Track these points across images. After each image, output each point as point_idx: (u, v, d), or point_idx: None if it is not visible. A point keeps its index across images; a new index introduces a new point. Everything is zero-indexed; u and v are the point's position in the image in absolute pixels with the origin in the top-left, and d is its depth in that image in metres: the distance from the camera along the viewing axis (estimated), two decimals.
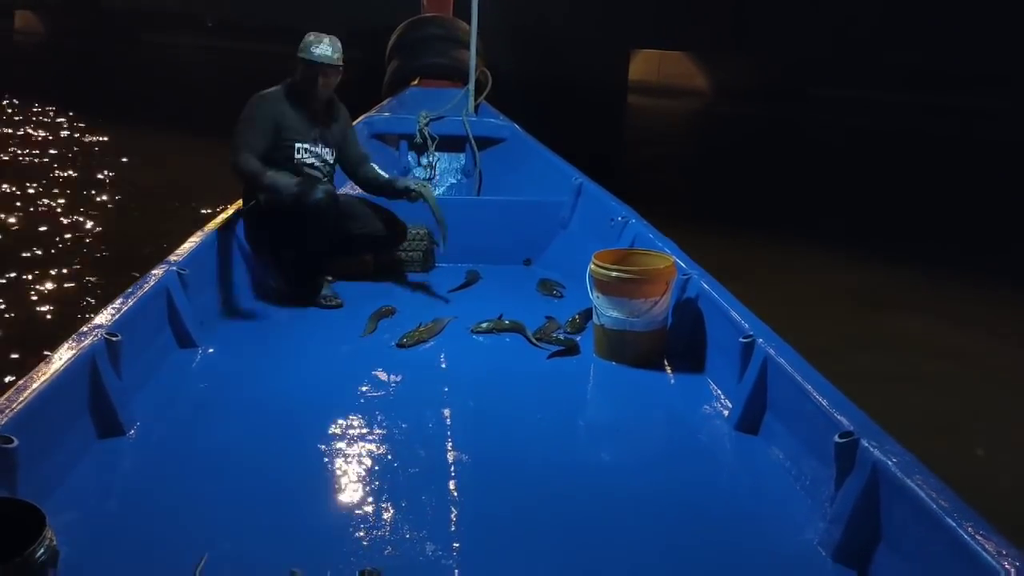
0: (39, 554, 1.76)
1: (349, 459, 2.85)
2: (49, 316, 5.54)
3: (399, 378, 3.52)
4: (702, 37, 19.16)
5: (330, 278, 4.34)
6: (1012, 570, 1.85)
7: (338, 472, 2.78)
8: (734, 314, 3.37)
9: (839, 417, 2.55)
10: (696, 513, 2.67)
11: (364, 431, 3.03)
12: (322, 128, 4.34)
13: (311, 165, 4.29)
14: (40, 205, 8.54)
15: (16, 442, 2.23)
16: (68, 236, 7.42)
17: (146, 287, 3.35)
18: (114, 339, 2.89)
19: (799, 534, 2.52)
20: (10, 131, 12.98)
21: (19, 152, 11.36)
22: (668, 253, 3.90)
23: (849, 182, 10.92)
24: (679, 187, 10.75)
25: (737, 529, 2.58)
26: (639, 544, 2.50)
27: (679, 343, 3.70)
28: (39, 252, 6.89)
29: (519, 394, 3.43)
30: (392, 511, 2.56)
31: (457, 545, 2.41)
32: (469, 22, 6.06)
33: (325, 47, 4.22)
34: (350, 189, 4.73)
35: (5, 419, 2.29)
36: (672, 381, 3.58)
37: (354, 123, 5.52)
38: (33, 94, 16.13)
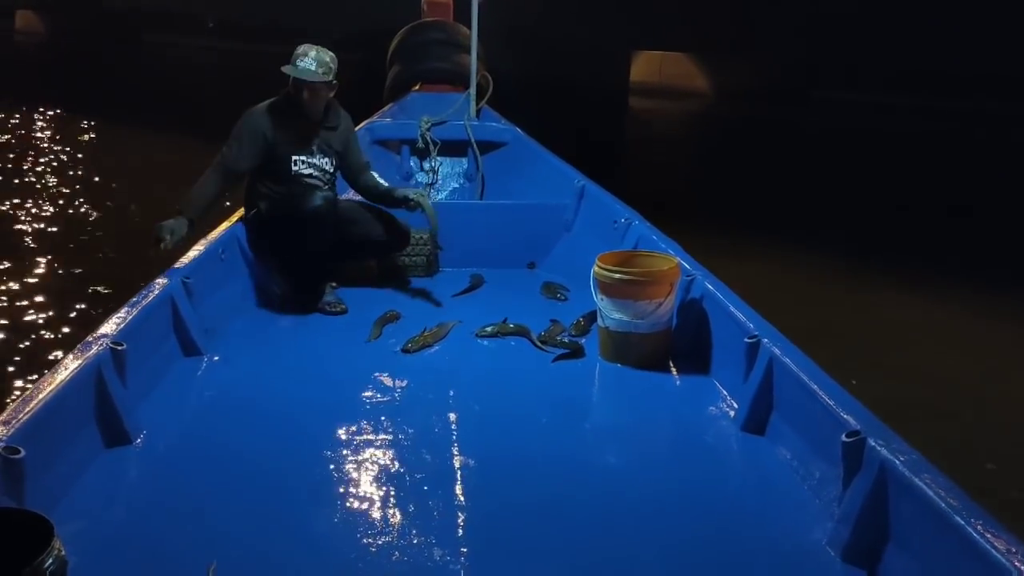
0: (48, 564, 1.76)
1: (355, 465, 2.85)
2: (53, 325, 5.54)
3: (404, 383, 3.52)
4: (703, 38, 19.14)
5: (334, 284, 4.34)
6: (1023, 568, 1.84)
7: (345, 478, 2.78)
8: (739, 315, 3.37)
9: (846, 416, 2.55)
10: (704, 514, 2.66)
11: (370, 436, 3.04)
12: (320, 138, 4.33)
13: (309, 175, 4.28)
14: (41, 210, 8.54)
15: (23, 453, 2.24)
16: (70, 241, 7.42)
17: (151, 296, 3.36)
18: (119, 348, 2.89)
19: (807, 534, 2.51)
20: (10, 132, 13.01)
21: (19, 154, 11.38)
22: (672, 254, 3.90)
23: (850, 184, 10.89)
24: (681, 189, 10.73)
25: (745, 530, 2.58)
26: (647, 546, 2.50)
27: (684, 344, 3.70)
28: (41, 259, 6.89)
29: (524, 397, 3.43)
30: (399, 516, 2.56)
31: (465, 550, 2.41)
32: (469, 26, 6.06)
33: (308, 62, 4.15)
34: (353, 195, 4.74)
35: (12, 430, 2.29)
36: (677, 382, 3.58)
37: (358, 127, 5.55)
38: (34, 94, 16.18)
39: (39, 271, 6.61)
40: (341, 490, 2.71)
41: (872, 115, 16.34)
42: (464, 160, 6.03)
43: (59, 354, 4.29)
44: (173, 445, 2.95)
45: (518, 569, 2.38)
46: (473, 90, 6.01)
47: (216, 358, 3.60)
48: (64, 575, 1.82)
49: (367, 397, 3.38)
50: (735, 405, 3.25)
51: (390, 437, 3.04)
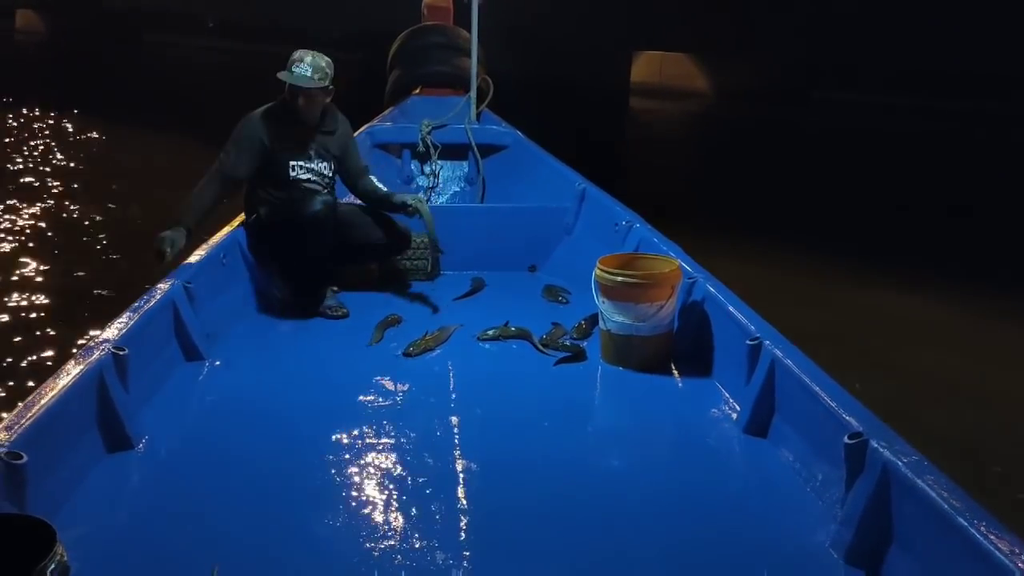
0: (50, 570, 1.76)
1: (357, 468, 2.85)
2: (55, 330, 5.54)
3: (406, 387, 3.52)
4: (704, 39, 19.15)
5: (335, 288, 4.34)
6: None
7: (347, 482, 2.78)
8: (740, 317, 3.37)
9: (848, 418, 2.55)
10: (706, 517, 2.66)
11: (372, 440, 3.04)
12: (318, 143, 4.34)
13: (308, 180, 4.29)
14: (41, 211, 8.53)
15: (25, 458, 2.24)
16: (71, 243, 7.41)
17: (152, 301, 3.36)
18: (121, 353, 2.90)
19: (810, 536, 2.51)
20: (10, 131, 13.03)
21: (19, 154, 11.39)
22: (673, 257, 3.89)
23: (850, 184, 10.89)
24: (681, 190, 10.73)
25: (748, 532, 2.58)
26: (650, 548, 2.50)
27: (686, 347, 3.70)
28: (41, 262, 6.88)
29: (526, 401, 3.43)
30: (401, 520, 2.56)
31: (467, 553, 2.41)
32: (469, 30, 6.07)
33: (304, 68, 4.15)
34: (352, 199, 4.74)
35: (14, 435, 2.29)
36: (680, 385, 3.58)
37: (358, 132, 5.55)
38: (34, 94, 16.19)
39: (40, 274, 6.61)
40: (343, 494, 2.71)
41: (872, 115, 16.34)
42: (465, 163, 6.03)
43: (61, 359, 4.29)
44: (175, 450, 2.95)
45: (520, 572, 2.37)
46: (473, 93, 6.02)
47: (218, 363, 3.60)
48: None
49: (369, 401, 3.37)
50: (737, 407, 3.24)
51: (392, 441, 3.04)
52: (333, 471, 2.84)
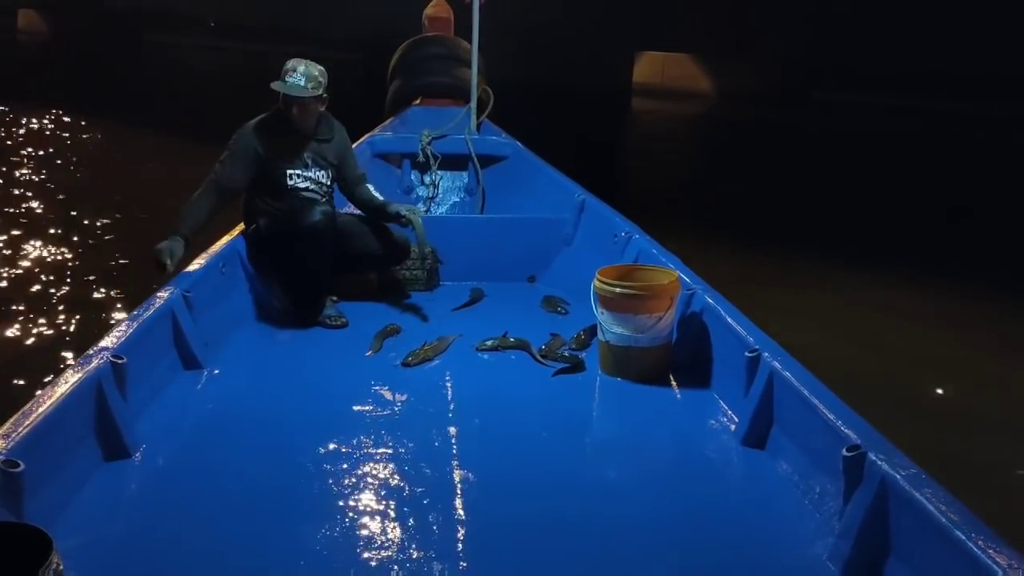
0: None
1: (355, 479, 2.84)
2: (53, 338, 5.53)
3: (404, 397, 3.52)
4: (706, 39, 19.23)
5: (335, 298, 4.34)
6: None
7: (344, 492, 2.77)
8: (739, 328, 3.37)
9: (846, 431, 2.55)
10: (704, 529, 2.66)
11: (370, 450, 3.03)
12: (314, 151, 4.34)
13: (306, 189, 4.29)
14: (40, 212, 8.54)
15: (22, 466, 2.23)
16: (71, 248, 7.39)
17: (151, 309, 3.36)
18: (120, 362, 2.89)
19: (808, 549, 2.51)
20: (10, 132, 13.04)
21: (20, 156, 11.40)
22: (672, 268, 3.90)
23: (850, 185, 10.93)
24: (683, 193, 10.74)
25: (745, 544, 2.57)
26: (647, 560, 2.49)
27: (684, 358, 3.70)
28: (41, 266, 6.88)
29: (525, 412, 3.42)
30: (399, 530, 2.56)
31: (464, 564, 2.41)
32: (470, 41, 6.09)
33: (297, 78, 4.16)
34: (351, 209, 4.75)
35: (11, 443, 2.29)
36: (678, 396, 3.58)
37: (359, 142, 5.57)
38: (35, 95, 16.22)
39: (39, 278, 6.59)
40: (341, 504, 2.71)
41: (872, 116, 16.39)
42: (465, 174, 6.04)
43: (59, 367, 4.29)
44: (173, 459, 2.94)
45: None
46: (474, 104, 6.03)
47: (216, 372, 3.60)
48: None
49: (367, 411, 3.37)
50: (736, 419, 3.24)
51: (390, 451, 3.04)
52: (331, 481, 2.83)
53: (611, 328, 3.65)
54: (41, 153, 11.59)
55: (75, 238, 7.64)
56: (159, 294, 3.51)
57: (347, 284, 4.52)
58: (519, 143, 6.08)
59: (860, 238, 8.50)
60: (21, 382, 4.81)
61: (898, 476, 2.28)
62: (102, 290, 6.33)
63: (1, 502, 2.18)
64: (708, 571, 2.45)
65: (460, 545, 2.50)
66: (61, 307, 6.03)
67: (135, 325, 3.18)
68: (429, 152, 5.92)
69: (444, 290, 4.83)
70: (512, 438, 3.19)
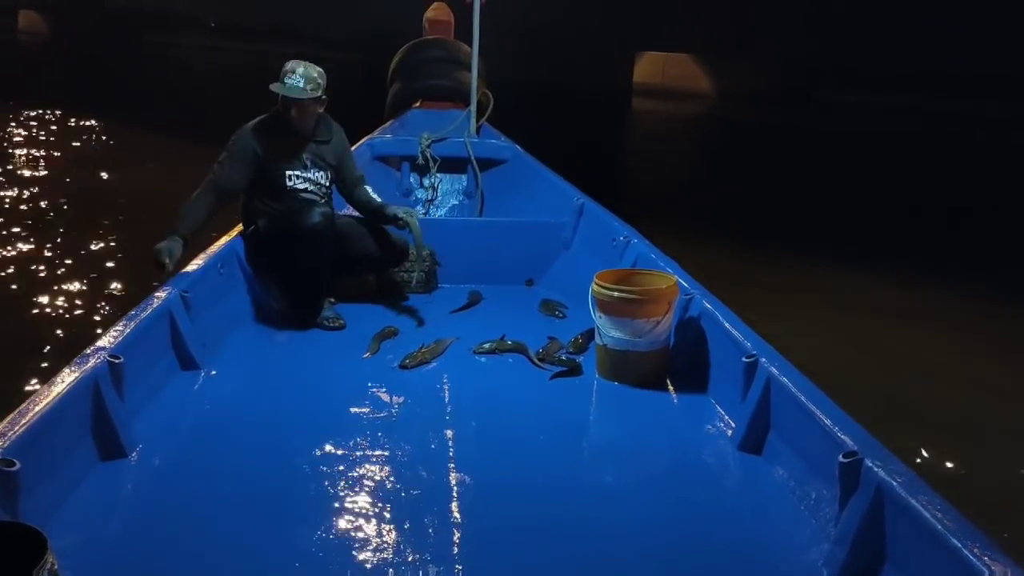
0: None
1: (352, 481, 2.84)
2: (50, 337, 5.53)
3: (401, 399, 3.52)
4: (706, 39, 19.26)
5: (332, 299, 4.34)
6: None
7: (340, 494, 2.77)
8: (736, 334, 3.37)
9: (843, 437, 2.55)
10: (700, 534, 2.66)
11: (367, 453, 3.03)
12: (313, 152, 4.35)
13: (305, 190, 4.30)
14: (39, 215, 8.51)
15: (18, 465, 2.23)
16: (70, 248, 7.37)
17: (149, 309, 3.36)
18: (117, 361, 2.89)
19: (803, 555, 2.50)
20: (10, 132, 13.03)
21: (20, 156, 11.39)
22: (670, 273, 3.90)
23: (853, 187, 10.94)
24: (683, 194, 10.75)
25: (741, 550, 2.57)
26: (643, 564, 2.50)
27: (682, 363, 3.70)
28: (40, 265, 6.87)
29: (522, 415, 3.42)
30: (395, 533, 2.56)
31: (460, 567, 2.40)
32: (470, 44, 6.09)
33: (296, 79, 4.17)
34: (350, 210, 4.75)
35: (7, 442, 2.29)
36: (675, 401, 3.58)
37: (359, 144, 5.58)
38: (35, 95, 16.21)
39: (37, 277, 6.59)
40: (336, 506, 2.71)
41: (872, 116, 16.41)
42: (464, 177, 6.05)
43: (56, 366, 4.28)
44: (169, 459, 2.94)
45: None
46: (473, 107, 6.04)
47: (214, 372, 3.60)
48: None
49: (364, 413, 3.37)
50: (732, 424, 3.24)
51: (386, 453, 3.04)
52: (326, 483, 2.83)
53: (609, 332, 3.65)
54: (41, 153, 11.59)
55: (75, 238, 7.63)
56: (157, 294, 3.51)
57: (345, 286, 4.52)
58: (518, 147, 6.08)
59: (860, 238, 8.52)
60: (18, 381, 4.80)
61: (894, 483, 2.28)
62: (101, 290, 6.33)
63: None
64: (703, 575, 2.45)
65: (456, 548, 2.50)
66: (60, 306, 6.03)
67: (133, 325, 3.18)
68: (429, 155, 5.92)
69: (442, 293, 4.83)
70: (508, 441, 3.19)
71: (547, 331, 4.17)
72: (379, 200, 4.55)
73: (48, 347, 5.35)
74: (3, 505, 2.19)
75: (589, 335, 3.94)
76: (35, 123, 13.92)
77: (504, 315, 4.46)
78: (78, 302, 6.12)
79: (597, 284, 3.69)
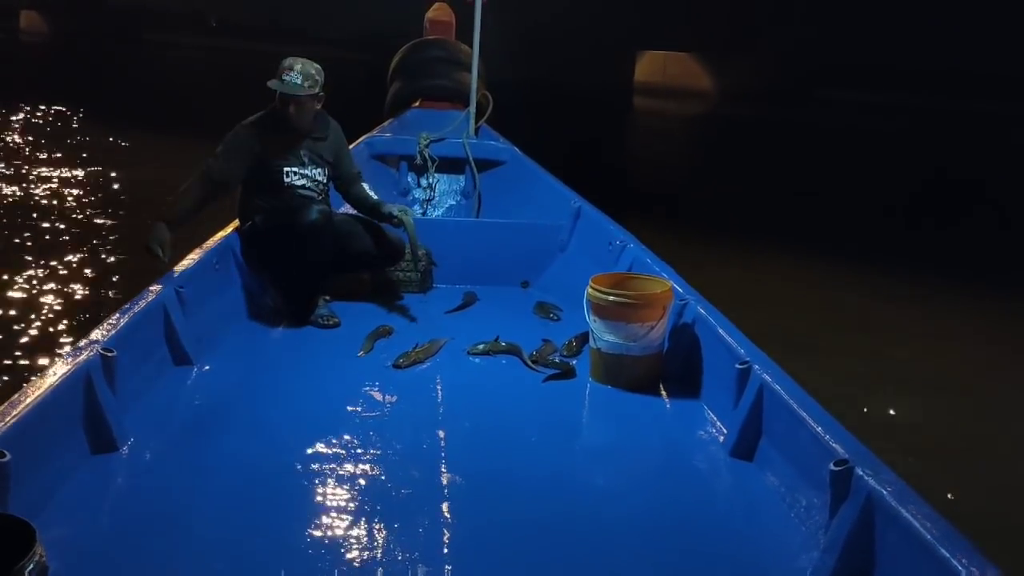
0: (28, 570, 1.75)
1: (343, 479, 2.84)
2: (44, 330, 5.52)
3: (394, 399, 3.52)
4: (707, 38, 19.28)
5: (327, 297, 4.34)
6: None
7: (332, 492, 2.77)
8: (730, 340, 3.37)
9: (834, 445, 2.55)
10: (690, 539, 2.66)
11: (359, 451, 3.03)
12: (310, 149, 4.35)
13: (302, 187, 4.30)
14: (37, 213, 8.49)
15: (8, 456, 2.23)
16: (68, 246, 7.36)
17: (143, 303, 3.35)
18: (110, 355, 2.89)
19: (792, 562, 2.51)
20: (10, 131, 12.99)
21: (20, 156, 11.36)
22: (665, 278, 3.90)
23: (853, 185, 10.96)
24: (683, 192, 10.74)
25: (730, 556, 2.57)
26: (632, 567, 2.50)
27: (675, 368, 3.70)
28: (36, 260, 6.85)
29: (514, 416, 3.42)
30: (385, 532, 2.55)
31: (449, 567, 2.40)
32: (471, 44, 6.10)
33: (294, 76, 4.17)
34: (348, 208, 4.75)
35: None
36: (668, 406, 3.58)
37: (357, 142, 5.57)
38: (36, 94, 16.19)
39: (32, 272, 6.57)
40: (326, 503, 2.70)
41: (872, 115, 16.44)
42: (461, 178, 6.05)
43: (49, 359, 4.27)
44: (160, 454, 2.94)
45: None
46: (472, 108, 6.04)
47: (207, 368, 3.60)
48: None
49: (357, 411, 3.37)
50: (724, 430, 3.25)
51: (378, 452, 3.03)
52: (317, 480, 2.83)
53: (603, 336, 3.65)
54: (41, 152, 11.56)
55: (74, 236, 7.63)
56: (151, 288, 3.51)
57: (340, 284, 4.52)
58: (517, 149, 6.09)
59: (860, 236, 8.52)
60: (10, 373, 4.80)
61: (884, 492, 2.28)
62: (98, 287, 6.32)
63: None
64: None
65: (446, 548, 2.50)
66: (56, 302, 6.01)
67: (126, 319, 3.17)
68: (427, 155, 5.92)
69: (437, 293, 4.83)
70: (500, 442, 3.19)
71: (541, 333, 4.18)
72: (375, 198, 4.55)
73: (42, 341, 5.34)
74: None
75: (583, 338, 3.94)
76: (34, 122, 13.90)
77: (499, 316, 4.46)
78: (75, 299, 6.11)
79: (592, 288, 3.69)
